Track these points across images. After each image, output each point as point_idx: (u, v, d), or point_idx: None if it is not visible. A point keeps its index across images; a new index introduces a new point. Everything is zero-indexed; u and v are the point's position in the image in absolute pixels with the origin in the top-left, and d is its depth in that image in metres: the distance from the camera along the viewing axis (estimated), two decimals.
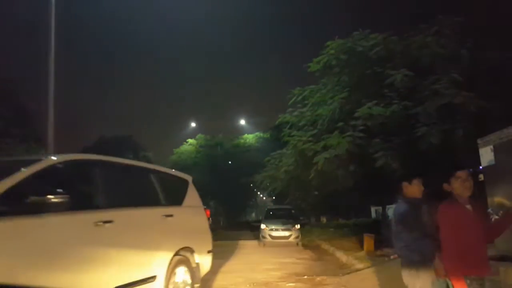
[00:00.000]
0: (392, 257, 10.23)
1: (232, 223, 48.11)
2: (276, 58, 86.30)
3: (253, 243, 18.93)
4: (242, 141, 45.64)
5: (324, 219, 38.44)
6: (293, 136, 12.78)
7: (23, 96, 24.33)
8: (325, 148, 11.47)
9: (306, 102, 13.60)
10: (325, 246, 15.27)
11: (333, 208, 31.13)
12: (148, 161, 24.30)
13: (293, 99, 13.88)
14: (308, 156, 11.96)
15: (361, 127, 10.82)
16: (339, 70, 12.21)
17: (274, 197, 57.20)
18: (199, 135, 45.43)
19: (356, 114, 10.78)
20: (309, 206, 26.50)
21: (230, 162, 44.95)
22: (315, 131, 12.24)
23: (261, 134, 44.74)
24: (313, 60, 12.36)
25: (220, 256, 13.28)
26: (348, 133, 10.80)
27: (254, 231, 26.98)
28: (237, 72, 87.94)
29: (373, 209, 30.71)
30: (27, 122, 23.84)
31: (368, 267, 8.54)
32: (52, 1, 12.46)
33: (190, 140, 45.24)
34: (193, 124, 46.30)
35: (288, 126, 13.58)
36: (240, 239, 21.76)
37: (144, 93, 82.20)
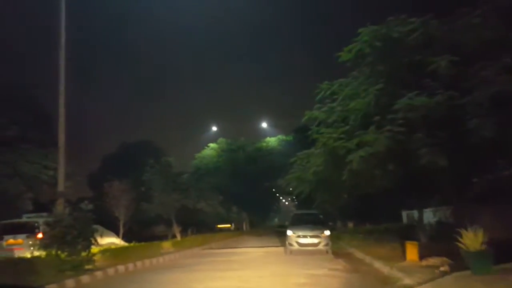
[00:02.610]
0: (442, 268, 8.95)
1: (255, 229, 47.09)
2: (299, 59, 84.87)
3: (278, 250, 17.81)
4: (264, 144, 44.72)
5: (351, 224, 36.91)
6: (322, 133, 11.65)
7: (42, 101, 23.83)
8: (359, 145, 10.31)
9: (335, 97, 12.46)
10: (359, 254, 13.97)
11: (360, 212, 29.66)
12: (169, 165, 23.46)
13: (321, 94, 12.78)
14: (340, 155, 10.83)
15: (401, 121, 9.61)
16: (372, 59, 11.01)
17: (296, 202, 56.03)
18: (220, 139, 44.74)
19: (396, 106, 9.58)
20: (336, 210, 25.13)
21: (252, 167, 43.95)
22: (347, 128, 11.08)
23: (284, 137, 43.74)
24: (344, 49, 11.22)
25: (244, 265, 12.27)
26: (386, 128, 9.61)
27: (280, 237, 25.87)
28: (259, 74, 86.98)
29: (404, 214, 28.89)
30: (45, 127, 23.44)
31: (421, 284, 7.26)
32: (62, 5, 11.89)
33: (211, 144, 44.59)
34: (214, 128, 45.55)
35: (316, 123, 12.46)
36: (264, 246, 20.71)
37: (166, 98, 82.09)
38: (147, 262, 13.26)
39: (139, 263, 12.69)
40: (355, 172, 10.30)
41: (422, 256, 10.39)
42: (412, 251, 10.46)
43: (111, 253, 12.28)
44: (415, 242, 10.62)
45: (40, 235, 12.85)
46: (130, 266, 12.09)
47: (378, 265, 10.59)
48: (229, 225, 47.55)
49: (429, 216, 23.74)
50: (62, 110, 11.68)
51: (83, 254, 10.17)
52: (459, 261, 9.66)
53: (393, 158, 10.03)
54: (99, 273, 10.21)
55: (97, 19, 59.72)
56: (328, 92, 12.61)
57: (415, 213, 25.71)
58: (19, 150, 20.73)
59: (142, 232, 31.16)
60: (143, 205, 20.82)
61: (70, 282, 8.79)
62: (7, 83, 23.47)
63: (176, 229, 22.16)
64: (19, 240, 13.84)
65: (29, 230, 13.76)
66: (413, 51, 10.71)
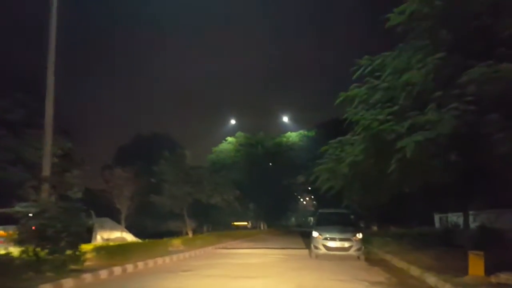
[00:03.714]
0: None
1: (272, 227, 45.16)
2: (323, 51, 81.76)
3: (301, 253, 15.82)
4: (284, 139, 42.70)
5: (375, 227, 34.65)
6: (363, 116, 9.57)
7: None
8: (413, 129, 8.21)
9: (378, 74, 10.35)
10: (398, 262, 11.84)
11: (386, 214, 27.42)
12: (184, 157, 21.75)
13: (359, 71, 10.68)
14: (386, 141, 8.74)
15: (471, 98, 7.48)
16: (432, 23, 8.84)
17: (315, 202, 53.77)
18: (238, 133, 42.91)
19: (465, 78, 7.44)
20: (367, 211, 22.89)
21: (270, 163, 42.00)
22: (395, 108, 8.98)
23: (306, 132, 41.65)
24: (394, 11, 9.09)
25: (264, 271, 10.27)
26: (452, 105, 7.48)
27: (302, 238, 23.93)
28: (279, 66, 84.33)
29: (437, 217, 26.47)
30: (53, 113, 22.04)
31: None
32: None
33: (229, 138, 42.84)
34: (232, 121, 43.75)
35: (354, 105, 10.37)
36: (285, 247, 18.74)
37: (183, 90, 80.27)
38: (150, 262, 11.41)
39: (140, 264, 10.85)
40: (407, 162, 8.21)
41: (488, 270, 8.27)
42: (476, 264, 8.31)
43: (107, 251, 10.46)
44: (481, 253, 8.44)
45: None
46: (129, 267, 10.25)
47: (432, 280, 8.45)
48: (245, 223, 45.72)
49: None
50: (50, 80, 10.05)
51: (68, 252, 8.36)
52: None
53: (458, 145, 7.89)
54: (87, 276, 8.38)
55: (113, 5, 58.64)
56: (369, 69, 10.51)
57: (451, 217, 23.34)
58: (23, 135, 19.39)
59: (156, 227, 29.65)
60: (152, 197, 19.10)
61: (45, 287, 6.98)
62: (15, 64, 22.14)
63: (188, 225, 20.37)
64: (10, 232, 12.28)
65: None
66: (480, 13, 8.54)
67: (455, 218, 21.46)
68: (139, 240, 18.35)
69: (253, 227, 45.38)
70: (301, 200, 68.82)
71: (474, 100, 7.47)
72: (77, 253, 8.61)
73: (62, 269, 8.03)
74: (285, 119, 43.21)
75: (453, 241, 16.14)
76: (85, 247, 9.86)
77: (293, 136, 42.59)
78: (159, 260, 12.09)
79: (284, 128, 44.20)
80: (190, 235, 19.91)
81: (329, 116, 34.52)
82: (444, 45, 8.60)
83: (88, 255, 9.74)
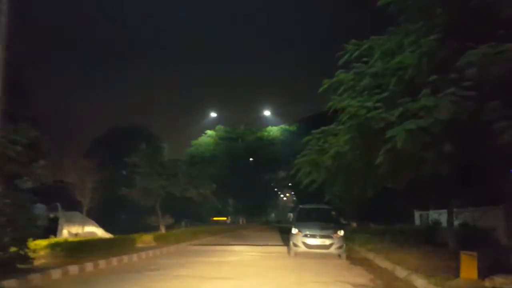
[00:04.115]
0: None
1: (252, 223, 44.48)
2: (301, 46, 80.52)
3: (279, 250, 15.08)
4: (265, 133, 41.91)
5: (354, 224, 34.27)
6: (349, 103, 8.75)
7: (15, 68, 20.88)
8: (404, 117, 7.46)
9: (366, 60, 9.57)
10: (382, 262, 11.18)
11: (366, 211, 26.99)
12: (160, 149, 20.64)
13: (346, 57, 9.87)
14: (374, 130, 7.97)
15: (470, 83, 6.75)
16: (426, 2, 8.10)
17: (295, 198, 53.28)
18: (218, 127, 41.92)
19: (464, 60, 6.69)
20: (350, 208, 22.28)
21: (251, 157, 41.19)
22: (385, 95, 8.21)
23: (287, 127, 40.95)
24: None
25: (239, 271, 9.40)
26: (449, 90, 6.74)
27: (281, 234, 23.27)
28: (262, 59, 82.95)
29: (417, 214, 26.11)
30: (17, 98, 20.62)
31: None
32: None
33: (209, 132, 41.82)
34: (213, 114, 42.56)
35: (340, 92, 9.56)
36: (263, 244, 17.98)
37: (161, 80, 77.77)
38: (114, 260, 10.41)
39: (102, 262, 9.83)
40: (397, 154, 7.46)
41: (482, 273, 7.62)
42: (469, 266, 7.64)
43: (64, 248, 9.39)
44: (474, 253, 7.77)
45: None
46: (89, 266, 9.23)
47: (421, 283, 7.75)
48: (225, 218, 44.99)
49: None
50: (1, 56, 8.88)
51: (13, 249, 7.32)
52: None
53: (455, 134, 7.17)
54: (36, 276, 7.36)
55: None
56: (356, 54, 9.71)
57: (431, 214, 22.95)
58: None
59: (134, 222, 28.46)
60: (123, 190, 17.98)
61: None
62: None
63: (162, 220, 19.31)
64: None
65: None
66: None
67: (436, 215, 21.08)
68: (110, 236, 17.28)
69: (233, 223, 44.65)
70: (282, 196, 68.43)
71: (474, 85, 6.75)
72: (25, 250, 7.56)
73: (5, 268, 7.00)
74: (267, 113, 42.33)
75: (435, 239, 15.65)
76: (39, 243, 8.83)
77: (274, 130, 41.86)
78: (125, 258, 11.09)
79: (265, 122, 43.39)
80: (163, 230, 18.88)
81: (311, 111, 34.01)
82: (440, 26, 7.85)
83: (42, 253, 8.72)
